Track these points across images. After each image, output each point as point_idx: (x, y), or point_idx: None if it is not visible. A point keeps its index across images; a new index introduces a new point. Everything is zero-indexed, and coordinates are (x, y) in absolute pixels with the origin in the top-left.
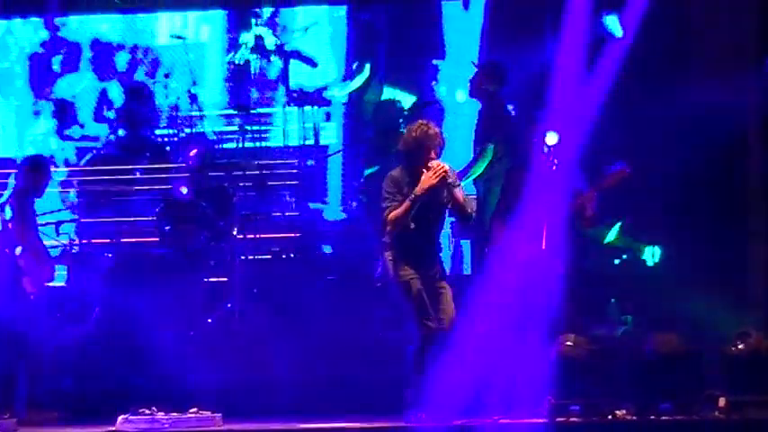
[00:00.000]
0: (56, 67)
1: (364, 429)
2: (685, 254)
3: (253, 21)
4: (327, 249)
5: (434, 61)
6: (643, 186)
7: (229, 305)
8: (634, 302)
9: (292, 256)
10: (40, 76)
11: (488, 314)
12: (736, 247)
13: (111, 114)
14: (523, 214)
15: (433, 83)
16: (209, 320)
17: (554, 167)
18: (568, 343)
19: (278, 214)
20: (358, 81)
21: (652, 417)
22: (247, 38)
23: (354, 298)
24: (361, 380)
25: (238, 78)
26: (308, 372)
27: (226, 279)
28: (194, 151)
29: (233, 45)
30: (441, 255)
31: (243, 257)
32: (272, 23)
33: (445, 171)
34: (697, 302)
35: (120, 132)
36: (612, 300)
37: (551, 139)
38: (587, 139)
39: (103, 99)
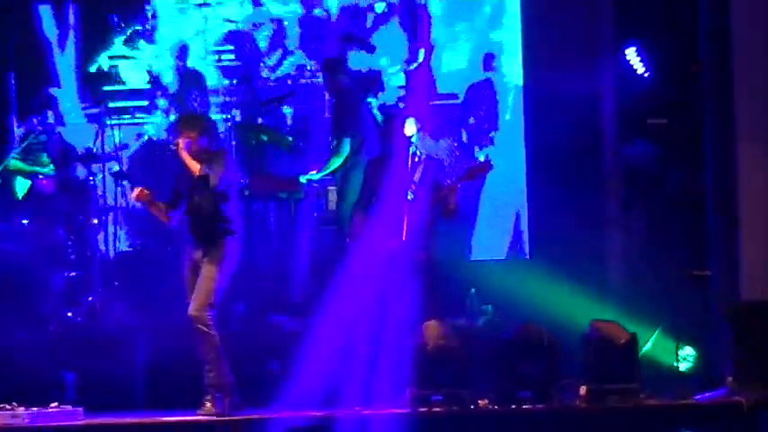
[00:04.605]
0: None
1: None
2: (547, 242)
3: None
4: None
5: None
6: (502, 178)
7: (90, 299)
8: (494, 292)
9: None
10: None
11: (349, 305)
12: (595, 235)
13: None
14: (384, 206)
15: None
16: (70, 314)
17: (415, 159)
18: (429, 333)
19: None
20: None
21: (513, 406)
22: None
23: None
24: None
25: None
26: (166, 366)
27: (86, 273)
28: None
29: None
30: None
31: (103, 251)
32: None
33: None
34: (556, 291)
35: None
36: (472, 290)
37: (410, 128)
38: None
39: None
